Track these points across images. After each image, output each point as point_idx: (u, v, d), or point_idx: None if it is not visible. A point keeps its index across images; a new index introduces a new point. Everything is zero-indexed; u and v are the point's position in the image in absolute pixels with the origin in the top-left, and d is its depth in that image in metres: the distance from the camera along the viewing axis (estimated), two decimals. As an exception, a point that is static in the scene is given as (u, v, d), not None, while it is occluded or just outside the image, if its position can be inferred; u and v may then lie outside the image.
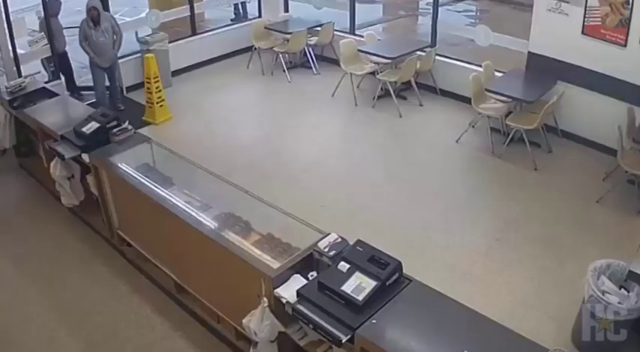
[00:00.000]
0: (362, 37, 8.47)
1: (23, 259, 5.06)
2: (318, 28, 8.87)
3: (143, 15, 9.23)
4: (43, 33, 7.55)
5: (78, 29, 7.27)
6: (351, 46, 7.97)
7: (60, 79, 7.68)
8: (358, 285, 3.07)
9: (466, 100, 7.05)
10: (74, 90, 7.95)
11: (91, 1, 7.13)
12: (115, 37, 7.37)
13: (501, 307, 4.36)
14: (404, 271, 3.21)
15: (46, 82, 7.01)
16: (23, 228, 5.49)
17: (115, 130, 4.90)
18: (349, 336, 2.91)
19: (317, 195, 5.80)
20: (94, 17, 7.12)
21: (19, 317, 4.41)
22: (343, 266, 3.18)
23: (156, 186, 4.27)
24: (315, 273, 3.34)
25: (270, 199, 4.11)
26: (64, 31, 7.83)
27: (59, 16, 7.68)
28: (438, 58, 7.80)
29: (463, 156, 6.61)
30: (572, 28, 6.18)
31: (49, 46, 7.52)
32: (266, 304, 3.29)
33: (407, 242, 5.09)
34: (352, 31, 8.96)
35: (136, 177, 4.41)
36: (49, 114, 5.63)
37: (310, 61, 8.91)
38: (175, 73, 8.55)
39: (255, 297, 3.39)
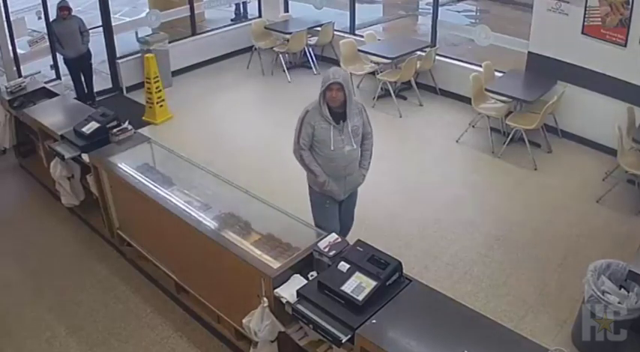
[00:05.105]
0: (362, 37, 8.46)
1: (23, 259, 5.05)
2: (318, 28, 8.87)
3: (143, 15, 9.23)
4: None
5: (300, 122, 3.93)
6: (351, 46, 7.98)
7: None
8: (358, 285, 3.06)
9: (466, 100, 7.06)
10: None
11: (332, 78, 3.76)
12: (364, 142, 4.18)
13: (501, 307, 4.37)
14: (404, 271, 3.22)
15: (46, 82, 7.01)
16: (23, 228, 5.49)
17: (115, 130, 4.90)
18: (349, 336, 2.92)
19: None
20: (336, 104, 3.79)
21: (18, 317, 4.40)
22: (343, 266, 3.18)
23: (156, 186, 4.27)
24: (315, 273, 3.34)
25: (270, 199, 4.10)
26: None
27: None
28: (438, 57, 7.80)
29: (463, 156, 6.61)
30: (572, 28, 6.19)
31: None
32: (266, 304, 3.29)
33: (407, 242, 5.09)
34: (352, 31, 8.95)
35: (135, 177, 4.41)
36: (49, 114, 5.63)
37: (310, 61, 8.90)
38: (175, 73, 8.55)
39: (255, 297, 3.39)
